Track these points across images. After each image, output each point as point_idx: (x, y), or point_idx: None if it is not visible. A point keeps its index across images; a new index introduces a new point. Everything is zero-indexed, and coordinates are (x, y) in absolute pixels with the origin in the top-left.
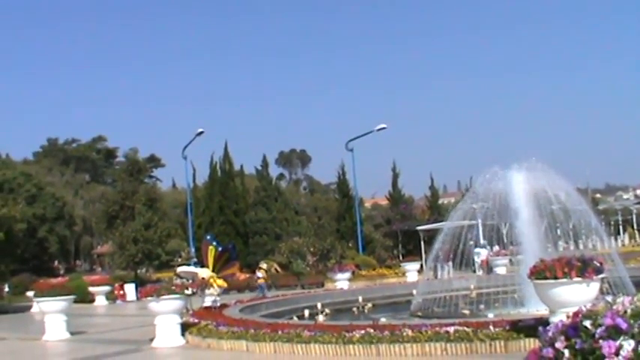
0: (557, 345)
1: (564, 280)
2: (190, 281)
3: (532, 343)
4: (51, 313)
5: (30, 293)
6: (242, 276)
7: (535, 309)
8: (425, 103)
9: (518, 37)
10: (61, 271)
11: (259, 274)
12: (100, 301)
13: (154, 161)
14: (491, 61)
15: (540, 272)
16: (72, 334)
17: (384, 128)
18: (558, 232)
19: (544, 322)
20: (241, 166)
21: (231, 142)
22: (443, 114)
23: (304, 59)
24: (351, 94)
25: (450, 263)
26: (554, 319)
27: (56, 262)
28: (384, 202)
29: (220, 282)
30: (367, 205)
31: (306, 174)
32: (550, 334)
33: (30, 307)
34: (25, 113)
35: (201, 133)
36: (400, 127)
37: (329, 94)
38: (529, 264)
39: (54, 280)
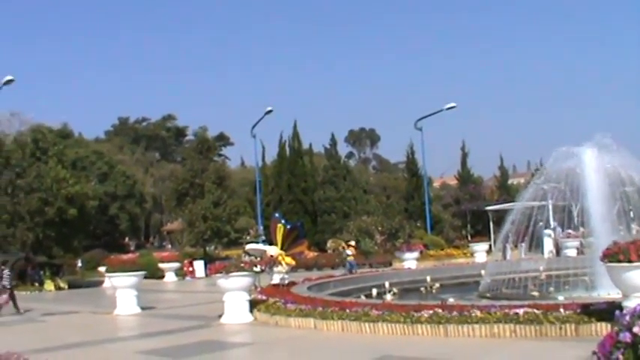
0: (635, 330)
1: (639, 263)
2: (259, 259)
3: (604, 328)
4: (122, 288)
5: (102, 269)
6: (310, 254)
7: (606, 292)
8: (495, 81)
9: (596, 10)
10: (132, 248)
11: (348, 251)
12: (170, 277)
13: (222, 140)
14: (566, 37)
15: (614, 255)
16: (142, 309)
17: (453, 107)
18: (631, 214)
19: (617, 306)
20: (310, 145)
21: (300, 121)
22: (513, 92)
23: (374, 38)
24: (421, 72)
25: (522, 244)
26: (628, 304)
27: (127, 239)
28: (453, 182)
29: (289, 260)
30: (436, 184)
31: (374, 153)
32: (628, 318)
33: (102, 282)
34: (96, 93)
35: (270, 111)
36: (470, 106)
37: (399, 73)
38: (600, 247)
39: (125, 257)
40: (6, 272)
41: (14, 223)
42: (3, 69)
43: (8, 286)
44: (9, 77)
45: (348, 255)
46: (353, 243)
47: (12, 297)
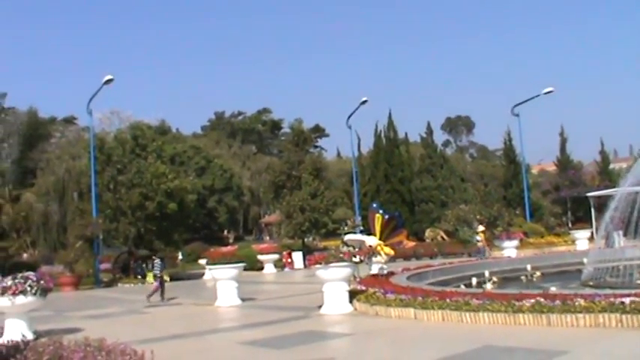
0: None
1: None
2: (358, 249)
3: None
4: (223, 280)
5: (202, 261)
6: (409, 244)
7: None
8: (594, 63)
9: None
10: (231, 240)
11: (478, 237)
12: (269, 268)
13: (318, 131)
14: None
15: None
16: (242, 300)
17: (551, 92)
18: None
19: None
20: (406, 134)
21: (395, 110)
22: (613, 74)
23: (468, 23)
24: (517, 56)
25: (620, 232)
26: None
27: (225, 232)
28: (552, 168)
29: (387, 250)
30: (534, 171)
31: (471, 140)
32: None
33: (202, 274)
34: (193, 89)
35: (365, 101)
36: (568, 90)
37: (493, 58)
38: None
39: (224, 249)
40: (157, 262)
41: (117, 218)
42: (102, 68)
43: (158, 275)
44: (108, 77)
45: (478, 241)
46: (482, 228)
47: (161, 285)
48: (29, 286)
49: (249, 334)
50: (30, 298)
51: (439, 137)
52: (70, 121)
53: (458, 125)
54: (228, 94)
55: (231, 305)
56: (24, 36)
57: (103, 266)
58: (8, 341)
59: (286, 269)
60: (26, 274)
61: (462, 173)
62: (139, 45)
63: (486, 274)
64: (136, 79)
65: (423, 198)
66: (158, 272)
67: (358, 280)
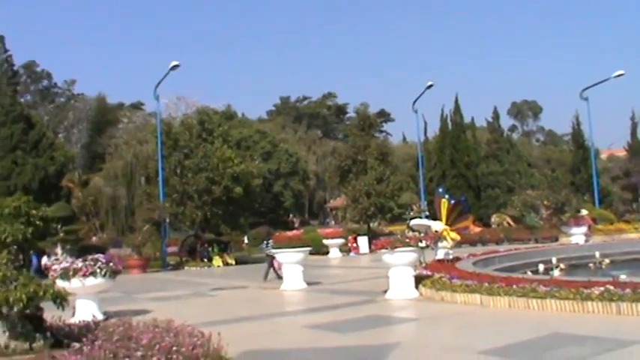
0: None
1: None
2: (423, 234)
3: None
4: (288, 263)
5: None
6: (475, 229)
7: None
8: None
9: None
10: (296, 225)
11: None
12: (334, 253)
13: (383, 116)
14: None
15: None
16: (308, 284)
17: (621, 75)
18: None
19: None
20: (472, 119)
21: (462, 95)
22: None
23: (534, 7)
24: (585, 39)
25: None
26: None
27: (291, 216)
28: (622, 154)
29: (454, 235)
30: (603, 156)
31: (538, 125)
32: None
33: None
34: (258, 75)
35: (431, 86)
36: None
37: (560, 41)
38: None
39: (290, 233)
40: (270, 242)
41: (183, 201)
42: (169, 55)
43: (270, 254)
44: (175, 63)
45: None
46: (585, 212)
47: (271, 265)
48: (99, 268)
49: (314, 317)
50: (99, 280)
51: (505, 122)
52: (137, 106)
53: (524, 110)
54: (293, 79)
55: (297, 289)
56: (93, 23)
57: (170, 249)
58: (80, 321)
59: (352, 254)
60: (96, 256)
61: (528, 158)
62: (204, 31)
63: (553, 260)
64: (202, 65)
65: (489, 183)
66: (269, 251)
67: (424, 265)
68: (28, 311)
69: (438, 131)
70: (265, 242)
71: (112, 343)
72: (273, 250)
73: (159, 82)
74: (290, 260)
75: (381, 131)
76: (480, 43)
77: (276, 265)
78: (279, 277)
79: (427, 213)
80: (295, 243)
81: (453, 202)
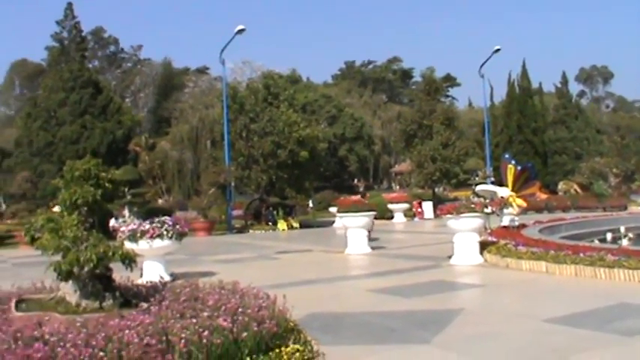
0: None
1: None
2: (489, 200)
3: None
4: (353, 228)
5: (332, 209)
6: (542, 196)
7: None
8: None
9: None
10: (360, 189)
11: None
12: (399, 218)
13: (449, 81)
14: None
15: None
16: (372, 248)
17: None
18: None
19: None
20: (540, 84)
21: (530, 59)
22: None
23: None
24: None
25: None
26: None
27: (356, 180)
28: None
29: (520, 201)
30: None
31: (607, 91)
32: None
33: (332, 222)
34: (323, 39)
35: (498, 50)
36: None
37: (634, 3)
38: None
39: (354, 197)
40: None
41: (249, 165)
42: (234, 19)
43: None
44: (240, 27)
45: None
46: None
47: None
48: (165, 230)
49: (378, 281)
50: (166, 242)
51: (574, 88)
52: (202, 71)
53: (594, 76)
54: (358, 44)
55: (361, 253)
56: None
57: (235, 213)
58: (147, 282)
59: (416, 219)
60: (163, 218)
61: (597, 125)
62: None
63: (622, 229)
64: (267, 29)
65: (556, 149)
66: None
67: (489, 231)
68: (98, 271)
69: (504, 96)
70: None
71: (179, 303)
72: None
73: (224, 47)
74: (354, 224)
75: (447, 96)
76: (548, 6)
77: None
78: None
79: (493, 179)
80: (360, 207)
81: (519, 168)
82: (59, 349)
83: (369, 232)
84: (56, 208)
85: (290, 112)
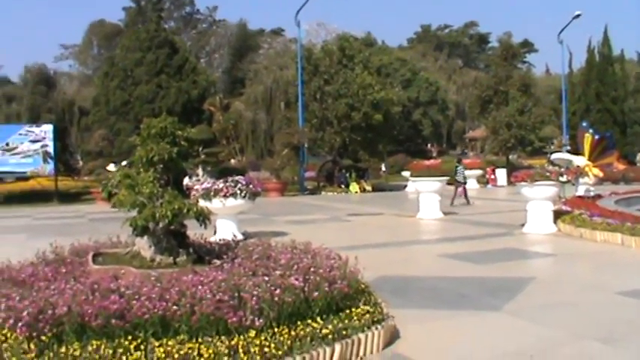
0: None
1: None
2: (565, 169)
3: None
4: (426, 192)
5: (405, 173)
6: (619, 167)
7: None
8: None
9: None
10: (434, 154)
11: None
12: (471, 184)
13: (526, 46)
14: None
15: None
16: (444, 214)
17: None
18: None
19: None
20: (621, 51)
21: (612, 26)
22: None
23: None
24: None
25: None
26: None
27: (429, 145)
28: None
29: (596, 171)
30: None
31: None
32: None
33: (405, 186)
34: (399, 2)
35: (578, 16)
36: None
37: None
38: None
39: (427, 162)
40: (460, 168)
41: (323, 127)
42: None
43: (463, 182)
44: None
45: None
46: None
47: (465, 190)
48: (239, 189)
49: (449, 247)
50: (239, 201)
51: None
52: (277, 32)
53: None
54: (434, 7)
55: (433, 218)
56: None
57: (308, 174)
58: (220, 240)
59: (489, 186)
60: (236, 178)
61: None
62: None
63: None
64: None
65: (636, 119)
66: (462, 180)
67: (563, 200)
68: (172, 227)
69: (583, 63)
70: (455, 168)
71: (251, 261)
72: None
73: (300, 9)
74: (427, 189)
75: (524, 62)
76: None
77: (459, 191)
78: (468, 203)
79: (569, 147)
80: (433, 172)
81: (597, 137)
82: (134, 301)
83: (466, 197)
84: (110, 167)
85: (365, 75)
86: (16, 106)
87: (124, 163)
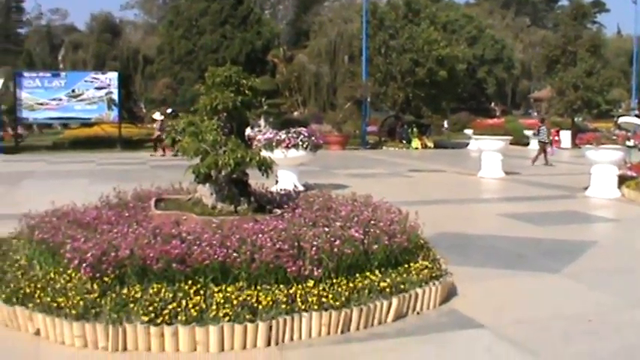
0: None
1: None
2: (632, 133)
3: None
4: (488, 151)
5: (467, 131)
6: None
7: None
8: None
9: None
10: (497, 113)
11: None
12: (535, 145)
13: (598, 6)
14: None
15: None
16: (506, 173)
17: None
18: None
19: None
20: None
21: None
22: None
23: None
24: None
25: None
26: None
27: (492, 104)
28: None
29: None
30: None
31: None
32: None
33: (466, 144)
34: None
35: None
36: None
37: None
38: None
39: (490, 121)
40: (543, 128)
41: (386, 82)
42: None
43: (546, 141)
44: None
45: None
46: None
47: (544, 151)
48: (301, 141)
49: (510, 207)
50: (301, 152)
51: None
52: None
53: None
54: None
55: (494, 177)
56: None
57: (370, 128)
58: (281, 190)
59: (553, 148)
60: (298, 129)
61: None
62: None
63: None
64: None
65: None
66: (543, 138)
67: (629, 165)
68: (234, 176)
69: None
70: (538, 129)
71: (311, 212)
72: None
73: None
74: (490, 148)
75: (594, 22)
76: None
77: (549, 151)
78: (548, 165)
79: (637, 112)
80: (496, 130)
81: None
82: (195, 247)
83: (546, 158)
84: (156, 115)
85: (430, 30)
86: (82, 53)
87: (168, 110)
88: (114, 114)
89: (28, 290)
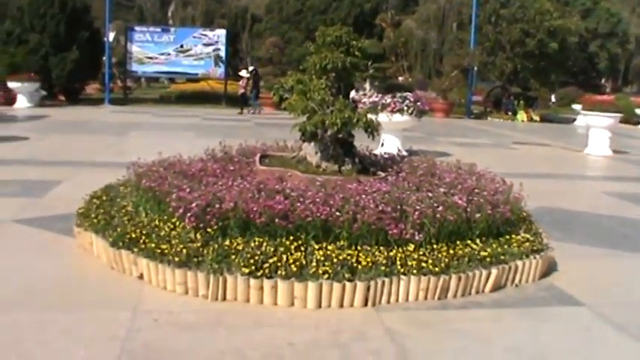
0: None
1: None
2: None
3: None
4: (596, 128)
5: (576, 106)
6: None
7: None
8: None
9: None
10: (607, 90)
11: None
12: None
13: None
14: None
15: None
16: (614, 152)
17: None
18: None
19: None
20: None
21: None
22: None
23: None
24: None
25: None
26: None
27: (603, 80)
28: None
29: None
30: None
31: None
32: None
33: (573, 119)
34: None
35: None
36: None
37: None
38: None
39: (600, 97)
40: None
41: (494, 51)
42: None
43: None
44: None
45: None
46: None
47: None
48: (406, 105)
49: (616, 185)
50: (405, 117)
51: None
52: None
53: None
54: None
55: (601, 155)
56: None
57: (475, 98)
58: (385, 153)
59: None
60: (404, 94)
61: None
62: None
63: None
64: None
65: None
66: None
67: None
68: (340, 136)
69: None
70: None
71: (415, 176)
72: None
73: None
74: (598, 124)
75: None
76: None
77: None
78: None
79: None
80: (606, 107)
81: None
82: (298, 204)
83: None
84: (242, 72)
85: (543, 0)
86: (191, 10)
87: (250, 68)
88: (220, 70)
89: (133, 235)
